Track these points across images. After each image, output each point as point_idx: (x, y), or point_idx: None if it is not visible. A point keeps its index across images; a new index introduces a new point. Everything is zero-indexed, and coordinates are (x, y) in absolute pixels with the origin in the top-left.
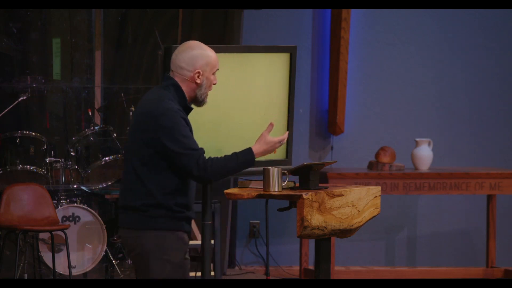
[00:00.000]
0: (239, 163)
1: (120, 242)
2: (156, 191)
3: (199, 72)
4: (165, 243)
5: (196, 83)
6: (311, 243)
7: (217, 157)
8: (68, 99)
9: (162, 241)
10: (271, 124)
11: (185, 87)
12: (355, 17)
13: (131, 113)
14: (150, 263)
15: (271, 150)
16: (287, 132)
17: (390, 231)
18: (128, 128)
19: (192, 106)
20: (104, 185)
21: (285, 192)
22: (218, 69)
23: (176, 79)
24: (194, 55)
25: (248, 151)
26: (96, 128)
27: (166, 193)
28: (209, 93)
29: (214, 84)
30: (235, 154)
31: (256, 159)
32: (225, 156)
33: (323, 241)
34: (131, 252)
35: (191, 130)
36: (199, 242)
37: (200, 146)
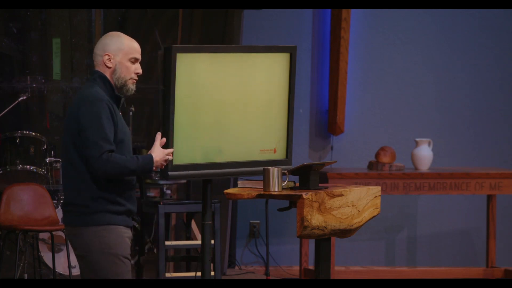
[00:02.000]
0: (139, 166)
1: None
2: (91, 186)
3: (108, 55)
4: (107, 238)
5: (107, 67)
6: (311, 243)
7: (119, 155)
8: (68, 99)
9: (103, 235)
10: (158, 134)
11: (107, 75)
12: (355, 17)
13: (130, 113)
14: (95, 259)
15: (162, 161)
16: (172, 150)
17: (390, 231)
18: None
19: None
20: None
21: (285, 192)
22: (138, 59)
23: (98, 68)
24: (106, 41)
25: (149, 157)
26: None
27: (101, 187)
28: (209, 92)
29: (138, 73)
30: (136, 157)
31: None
32: (126, 156)
33: (323, 241)
34: (75, 251)
35: (117, 118)
36: (199, 242)
37: (200, 146)
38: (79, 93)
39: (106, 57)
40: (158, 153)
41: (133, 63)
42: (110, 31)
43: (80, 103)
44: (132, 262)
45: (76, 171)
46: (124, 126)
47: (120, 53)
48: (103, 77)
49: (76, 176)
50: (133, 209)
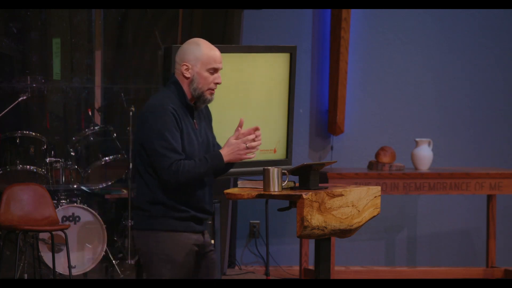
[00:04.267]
0: (208, 168)
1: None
2: (156, 190)
3: (186, 65)
4: (164, 243)
5: (185, 77)
6: (311, 243)
7: (188, 161)
8: (68, 99)
9: (160, 241)
10: (240, 121)
11: (183, 84)
12: (355, 17)
13: (131, 113)
14: (150, 263)
15: (238, 152)
16: (239, 128)
17: (390, 231)
18: (128, 128)
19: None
20: (104, 185)
21: (285, 192)
22: (218, 69)
23: (176, 76)
24: (185, 49)
25: (218, 154)
26: (96, 128)
27: (166, 192)
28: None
29: (217, 83)
30: (205, 158)
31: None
32: (195, 160)
33: (323, 241)
34: (138, 252)
35: (183, 127)
36: None
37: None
38: (150, 98)
39: (184, 67)
40: (229, 147)
41: (211, 73)
42: (110, 31)
43: (145, 112)
44: (132, 262)
45: (141, 177)
46: (191, 134)
47: (198, 63)
48: (177, 84)
49: (141, 182)
50: (198, 215)
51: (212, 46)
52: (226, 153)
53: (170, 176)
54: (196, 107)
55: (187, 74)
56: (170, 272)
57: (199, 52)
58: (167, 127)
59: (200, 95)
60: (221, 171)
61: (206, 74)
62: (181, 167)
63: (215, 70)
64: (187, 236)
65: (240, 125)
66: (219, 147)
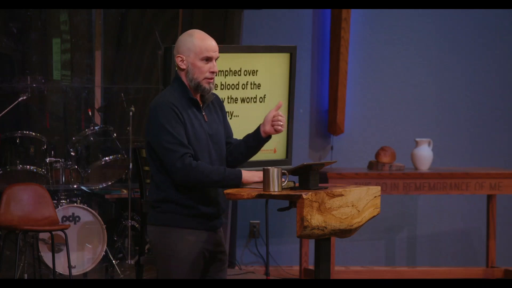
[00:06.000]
0: (224, 179)
1: None
2: (165, 187)
3: (180, 57)
4: (170, 239)
5: (181, 68)
6: (311, 243)
7: (206, 164)
8: (68, 99)
9: (166, 236)
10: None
11: (183, 77)
12: (355, 17)
13: (131, 113)
14: (157, 258)
15: (250, 180)
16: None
17: (390, 231)
18: (128, 128)
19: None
20: (104, 185)
21: (285, 192)
22: (212, 57)
23: (177, 71)
24: (179, 41)
25: (238, 173)
26: (96, 128)
27: (177, 189)
28: None
29: (213, 72)
30: (224, 168)
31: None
32: (213, 167)
33: (323, 241)
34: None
35: (185, 118)
36: None
37: None
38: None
39: (179, 58)
40: (249, 173)
41: (206, 62)
42: (110, 31)
43: (149, 112)
44: (132, 262)
45: (153, 176)
46: (196, 126)
47: (191, 54)
48: (179, 80)
49: (153, 180)
50: (210, 212)
51: (206, 36)
52: (247, 174)
53: (180, 170)
54: (203, 99)
55: (182, 66)
56: (175, 267)
57: (191, 42)
58: (168, 122)
59: (197, 85)
60: (234, 186)
61: (200, 63)
62: (194, 164)
63: (208, 59)
64: (196, 234)
65: (278, 107)
66: (235, 140)
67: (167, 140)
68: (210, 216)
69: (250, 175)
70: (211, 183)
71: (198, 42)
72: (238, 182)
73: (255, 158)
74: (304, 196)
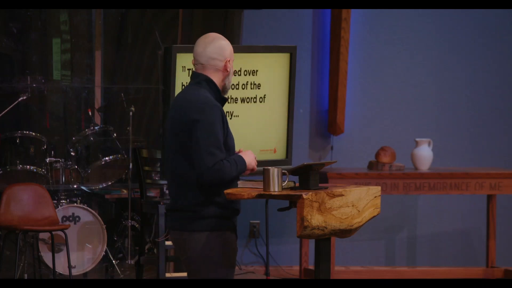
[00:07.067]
0: (238, 172)
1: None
2: (199, 191)
3: (228, 61)
4: (211, 245)
5: (227, 71)
6: (311, 243)
7: (227, 163)
8: (68, 99)
9: (208, 242)
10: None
11: (216, 79)
12: (355, 17)
13: (131, 113)
14: (197, 265)
15: (251, 163)
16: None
17: (390, 231)
18: (128, 128)
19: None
20: (104, 185)
21: (285, 192)
22: None
23: (206, 72)
24: (222, 44)
25: (242, 160)
26: (96, 128)
27: (209, 192)
28: None
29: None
30: (234, 161)
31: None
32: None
33: (323, 241)
34: (182, 255)
35: (226, 123)
36: None
37: None
38: (182, 97)
39: (228, 62)
40: (249, 156)
41: None
42: (110, 31)
43: (191, 108)
44: (132, 262)
45: (183, 176)
46: (230, 134)
47: (232, 56)
48: (209, 81)
49: (183, 181)
50: (238, 207)
51: None
52: (247, 158)
53: (211, 175)
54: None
55: (229, 69)
56: (224, 275)
57: (229, 47)
58: (216, 124)
59: (226, 89)
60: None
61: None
62: (223, 166)
63: None
64: (231, 235)
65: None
66: None
67: (211, 143)
68: (239, 211)
69: (250, 155)
70: (230, 180)
71: (231, 47)
72: (244, 170)
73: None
74: (304, 196)
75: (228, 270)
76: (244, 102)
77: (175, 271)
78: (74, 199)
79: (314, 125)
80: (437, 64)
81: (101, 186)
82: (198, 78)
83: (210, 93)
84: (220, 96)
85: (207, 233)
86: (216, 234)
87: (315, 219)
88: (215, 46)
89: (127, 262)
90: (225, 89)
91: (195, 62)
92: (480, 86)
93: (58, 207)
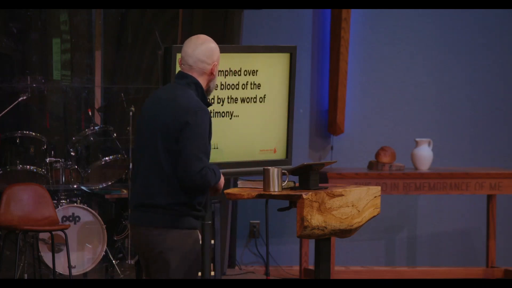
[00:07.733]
0: (215, 181)
1: (133, 240)
2: (179, 190)
3: (215, 64)
4: (187, 242)
5: (213, 74)
6: (311, 243)
7: (211, 171)
8: (68, 99)
9: (185, 239)
10: None
11: (202, 81)
12: (355, 17)
13: (131, 113)
14: (174, 262)
15: (222, 183)
16: None
17: (390, 231)
18: (128, 128)
19: None
20: (104, 185)
21: (285, 192)
22: None
23: (194, 74)
24: (212, 48)
25: (219, 174)
26: (96, 128)
27: (188, 193)
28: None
29: None
30: (213, 171)
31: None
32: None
33: (323, 241)
34: (151, 250)
35: (211, 129)
36: None
37: None
38: (171, 97)
39: (215, 66)
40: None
41: None
42: (110, 31)
43: (184, 110)
44: (132, 262)
45: (164, 175)
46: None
47: (219, 61)
48: (198, 84)
49: (163, 179)
50: (205, 214)
51: None
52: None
53: (196, 179)
54: None
55: (215, 73)
56: (192, 269)
57: (217, 50)
58: (207, 130)
59: (210, 93)
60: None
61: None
62: (207, 172)
63: None
64: (198, 235)
65: None
66: None
67: (199, 148)
68: (204, 218)
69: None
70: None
71: (219, 52)
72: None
73: (255, 158)
74: (304, 196)
75: (198, 267)
76: (244, 102)
77: None
78: (74, 199)
79: (314, 125)
80: (437, 64)
81: (101, 186)
82: (187, 80)
83: (197, 97)
84: (206, 101)
85: (185, 231)
86: (191, 232)
87: (315, 219)
88: (205, 48)
89: (127, 262)
90: (208, 92)
91: (182, 62)
92: (480, 86)
93: (58, 207)
